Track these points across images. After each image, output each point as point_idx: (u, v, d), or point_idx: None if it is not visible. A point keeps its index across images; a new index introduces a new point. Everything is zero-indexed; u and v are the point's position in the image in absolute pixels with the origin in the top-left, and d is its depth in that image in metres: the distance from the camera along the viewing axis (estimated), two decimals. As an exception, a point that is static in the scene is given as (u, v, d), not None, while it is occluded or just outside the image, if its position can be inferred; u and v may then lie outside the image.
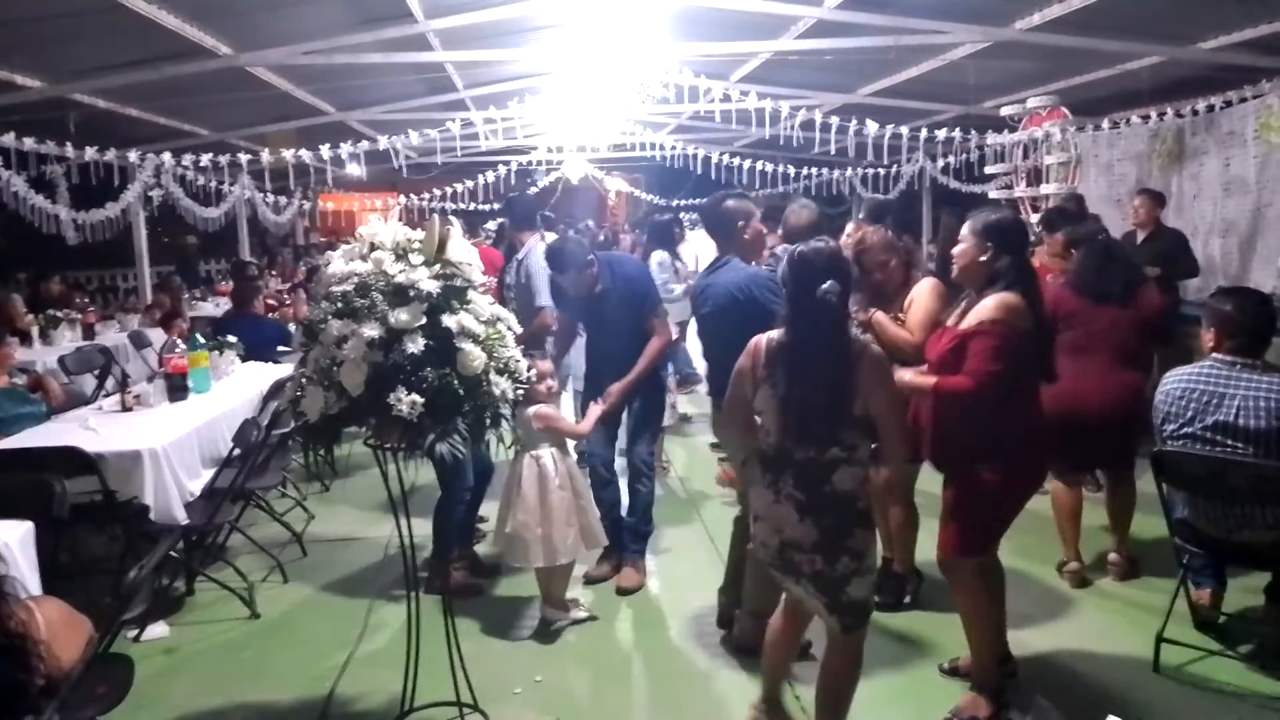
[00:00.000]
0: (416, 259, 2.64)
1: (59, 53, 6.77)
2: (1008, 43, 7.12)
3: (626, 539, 4.28)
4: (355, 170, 9.64)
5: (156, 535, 3.63)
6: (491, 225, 12.04)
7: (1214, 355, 3.29)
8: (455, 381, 2.54)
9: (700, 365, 7.43)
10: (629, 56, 8.16)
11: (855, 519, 2.58)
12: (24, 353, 6.42)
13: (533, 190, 14.77)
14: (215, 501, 4.08)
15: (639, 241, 9.68)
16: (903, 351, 3.43)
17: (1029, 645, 3.49)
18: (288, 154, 8.62)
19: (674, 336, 5.16)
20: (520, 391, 2.77)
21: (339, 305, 2.58)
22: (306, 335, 2.68)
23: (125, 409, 4.56)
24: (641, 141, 11.30)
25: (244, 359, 5.70)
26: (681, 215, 11.89)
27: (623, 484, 4.46)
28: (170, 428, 4.17)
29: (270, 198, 12.20)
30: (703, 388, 7.01)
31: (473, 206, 13.34)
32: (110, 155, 7.76)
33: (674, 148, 11.27)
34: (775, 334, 2.68)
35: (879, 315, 3.62)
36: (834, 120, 8.02)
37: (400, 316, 2.51)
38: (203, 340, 5.25)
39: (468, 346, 2.57)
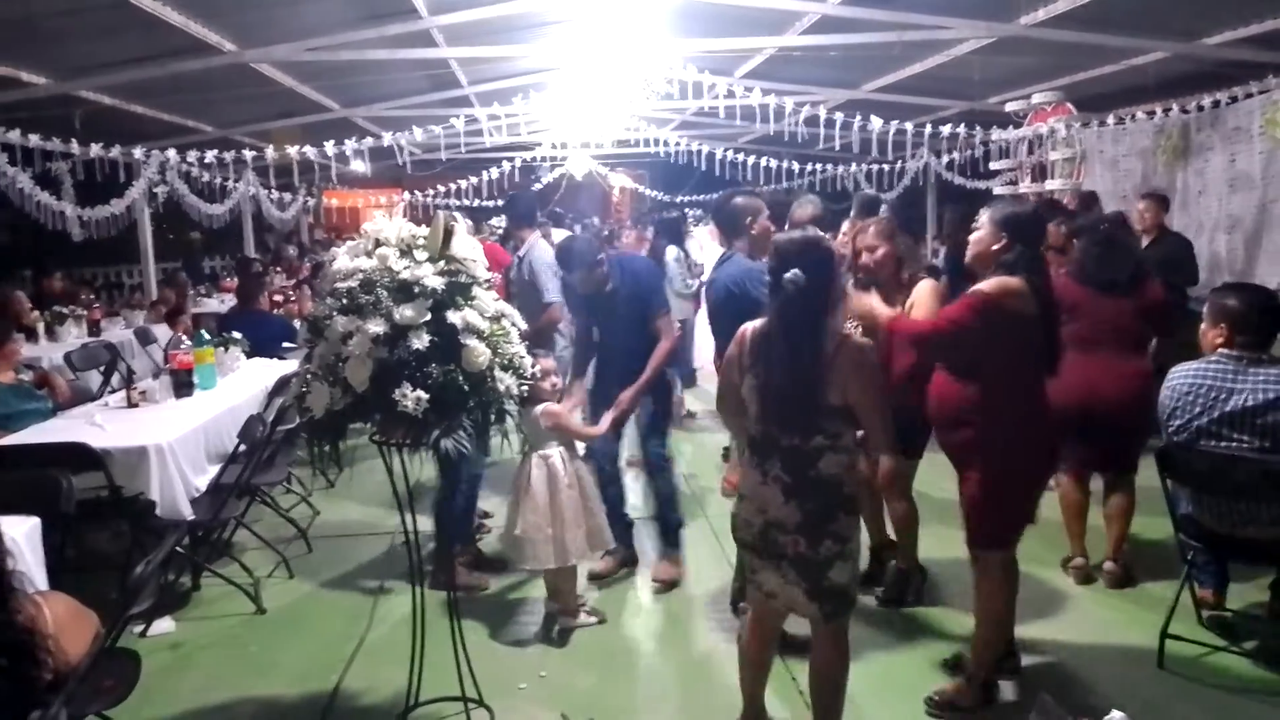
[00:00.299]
0: (421, 255, 2.64)
1: (64, 49, 6.78)
2: (1013, 38, 7.10)
3: (656, 532, 4.37)
4: (359, 167, 9.63)
5: (162, 531, 3.63)
6: (497, 221, 12.02)
7: (1220, 350, 3.28)
8: (460, 377, 2.54)
9: (703, 359, 7.46)
10: (633, 52, 8.15)
11: (840, 503, 2.59)
12: (30, 349, 6.42)
13: (536, 186, 14.75)
14: (221, 497, 4.08)
15: (644, 237, 9.65)
16: (882, 326, 3.38)
17: (1033, 640, 3.49)
18: (292, 150, 8.63)
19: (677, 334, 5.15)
20: (525, 389, 2.77)
21: (344, 301, 2.58)
22: (311, 331, 2.67)
23: (131, 405, 4.58)
24: (646, 137, 11.27)
25: (249, 355, 5.72)
26: (686, 211, 11.87)
27: (640, 486, 4.54)
28: (176, 424, 4.19)
29: (275, 194, 12.23)
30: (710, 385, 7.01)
31: (477, 203, 13.32)
32: (115, 152, 7.79)
33: (678, 144, 11.27)
34: (759, 323, 2.70)
35: (856, 292, 3.51)
36: (838, 116, 8.01)
37: (405, 313, 2.51)
38: (208, 336, 5.26)
39: (472, 343, 2.57)
